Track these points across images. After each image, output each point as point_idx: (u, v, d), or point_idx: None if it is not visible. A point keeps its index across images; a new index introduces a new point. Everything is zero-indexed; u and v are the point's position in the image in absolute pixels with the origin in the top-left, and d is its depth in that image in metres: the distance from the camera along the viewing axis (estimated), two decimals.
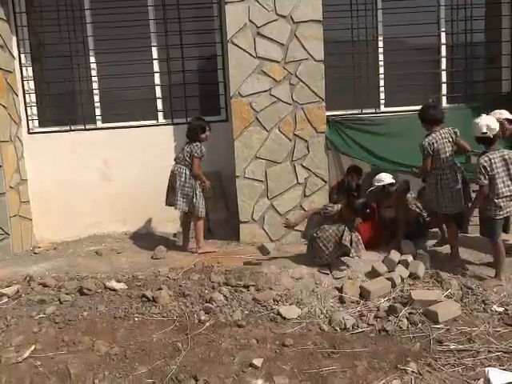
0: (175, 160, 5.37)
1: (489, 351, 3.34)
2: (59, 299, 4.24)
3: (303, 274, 4.55)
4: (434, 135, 4.67)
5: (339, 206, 4.68)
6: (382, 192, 5.28)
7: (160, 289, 4.30)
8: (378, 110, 6.08)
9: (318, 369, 3.23)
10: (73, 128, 6.12)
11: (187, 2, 5.98)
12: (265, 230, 5.58)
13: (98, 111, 6.16)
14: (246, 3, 5.28)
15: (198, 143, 5.26)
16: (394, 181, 5.25)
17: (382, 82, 6.07)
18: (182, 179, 5.22)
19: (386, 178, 5.25)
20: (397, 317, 3.82)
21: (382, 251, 4.95)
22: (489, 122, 4.25)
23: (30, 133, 6.12)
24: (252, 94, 5.40)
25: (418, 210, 5.21)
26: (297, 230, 5.53)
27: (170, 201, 5.31)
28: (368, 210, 4.67)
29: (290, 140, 5.48)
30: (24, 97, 6.08)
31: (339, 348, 3.48)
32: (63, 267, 4.99)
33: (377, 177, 5.32)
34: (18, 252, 5.66)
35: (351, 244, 4.50)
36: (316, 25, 5.32)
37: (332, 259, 4.63)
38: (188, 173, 5.23)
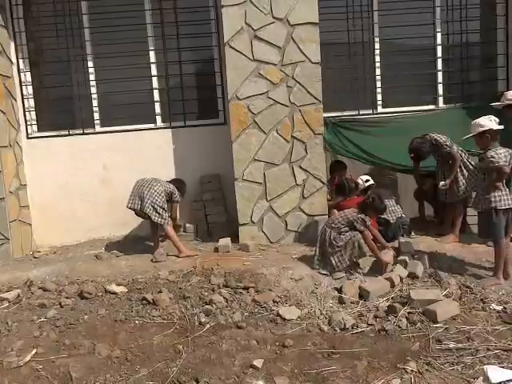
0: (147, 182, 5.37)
1: (488, 349, 3.35)
2: (60, 303, 4.26)
3: (303, 275, 4.57)
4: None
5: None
6: None
7: (160, 292, 4.33)
8: (375, 111, 6.12)
9: (318, 369, 3.24)
10: (71, 132, 6.14)
11: (184, 5, 6.02)
12: (264, 232, 5.60)
13: (96, 115, 6.18)
14: (242, 6, 5.30)
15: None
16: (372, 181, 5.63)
17: (378, 84, 6.11)
18: (154, 192, 5.28)
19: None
20: (396, 316, 3.84)
21: None
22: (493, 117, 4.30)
23: (28, 138, 6.14)
24: (249, 97, 5.42)
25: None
26: (292, 231, 5.58)
27: (135, 205, 5.31)
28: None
29: (288, 142, 5.50)
30: (23, 102, 6.10)
31: (339, 348, 3.50)
32: (63, 271, 5.00)
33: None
34: (18, 257, 5.67)
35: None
36: (312, 27, 5.34)
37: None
38: (160, 190, 5.31)
